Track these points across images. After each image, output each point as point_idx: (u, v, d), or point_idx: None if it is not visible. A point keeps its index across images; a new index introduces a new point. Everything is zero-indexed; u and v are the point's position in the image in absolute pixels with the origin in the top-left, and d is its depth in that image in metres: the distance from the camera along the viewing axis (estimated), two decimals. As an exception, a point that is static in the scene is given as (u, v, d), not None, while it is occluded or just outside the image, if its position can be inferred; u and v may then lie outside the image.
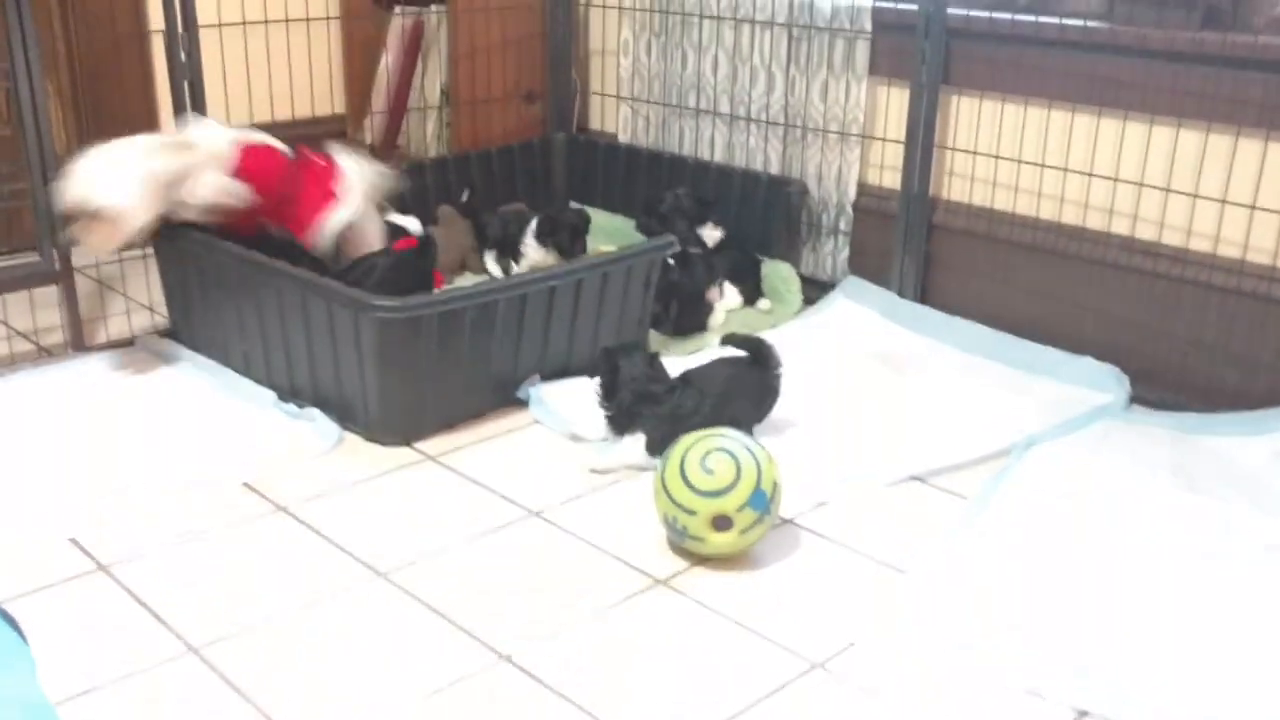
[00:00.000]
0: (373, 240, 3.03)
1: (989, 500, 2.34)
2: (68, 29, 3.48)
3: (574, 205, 3.66)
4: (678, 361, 2.68)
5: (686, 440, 2.15)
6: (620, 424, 2.46)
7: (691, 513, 2.08)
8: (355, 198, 2.98)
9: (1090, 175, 2.87)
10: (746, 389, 2.53)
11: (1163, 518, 2.29)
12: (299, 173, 2.94)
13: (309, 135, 3.97)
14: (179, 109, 3.12)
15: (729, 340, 2.61)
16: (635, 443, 2.44)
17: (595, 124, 4.05)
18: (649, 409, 2.43)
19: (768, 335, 3.04)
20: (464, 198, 3.62)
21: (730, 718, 1.76)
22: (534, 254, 3.32)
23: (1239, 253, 2.68)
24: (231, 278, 2.74)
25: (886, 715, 1.77)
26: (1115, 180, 2.83)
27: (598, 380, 2.48)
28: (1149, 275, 2.80)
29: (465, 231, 3.48)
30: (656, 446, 2.38)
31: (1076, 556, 2.16)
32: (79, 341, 3.00)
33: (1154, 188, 2.77)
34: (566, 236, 3.29)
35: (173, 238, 2.86)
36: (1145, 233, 2.81)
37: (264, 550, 2.17)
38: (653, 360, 2.51)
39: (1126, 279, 2.83)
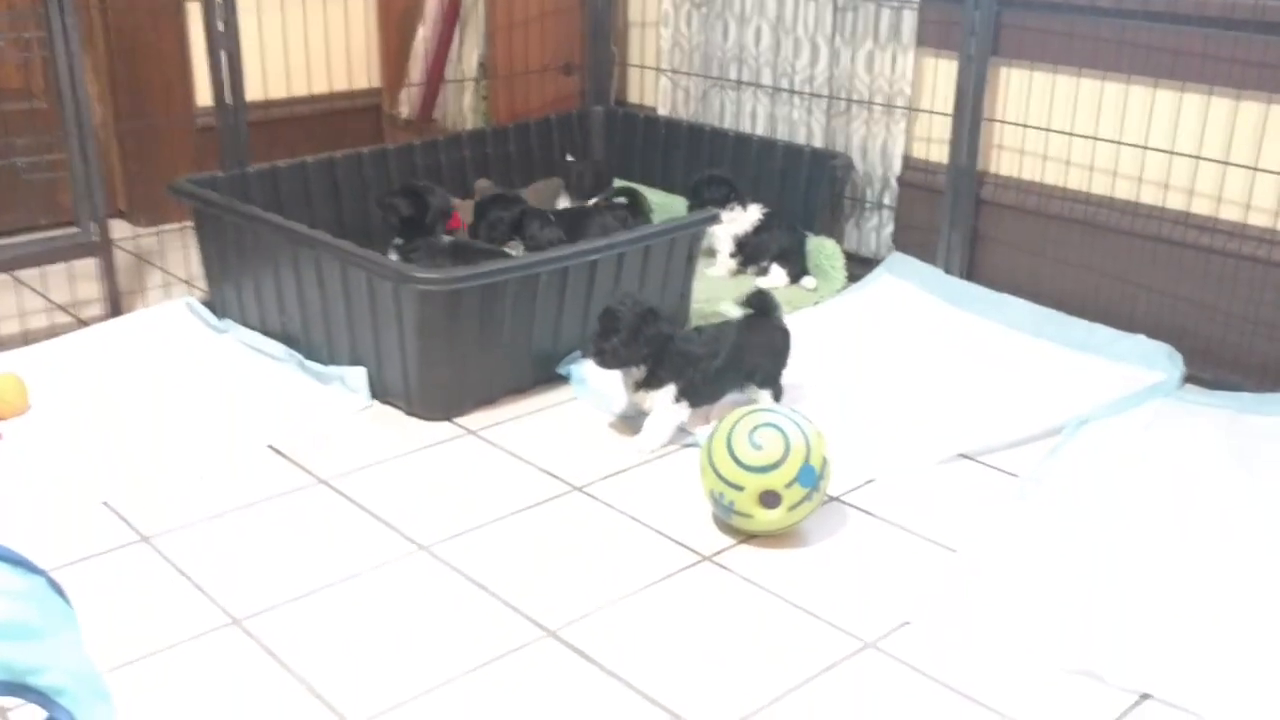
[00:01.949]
0: None
1: (1040, 479, 2.29)
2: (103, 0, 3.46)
3: (497, 190, 3.28)
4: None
5: (734, 415, 2.11)
6: (652, 380, 2.40)
7: (739, 488, 2.04)
8: None
9: (1145, 148, 2.80)
10: (759, 338, 2.52)
11: (1216, 497, 2.23)
12: None
13: (346, 109, 3.98)
14: (215, 82, 3.09)
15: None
16: (665, 398, 2.39)
17: (634, 97, 4.00)
18: (672, 356, 2.39)
19: (814, 311, 3.01)
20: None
21: (781, 695, 1.72)
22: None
23: (1299, 227, 2.61)
24: (271, 248, 2.71)
25: (941, 695, 1.73)
26: (1171, 154, 2.76)
27: (612, 340, 2.34)
28: (1204, 251, 2.73)
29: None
30: (689, 393, 2.40)
31: (1130, 536, 2.11)
32: (117, 314, 2.98)
33: (1211, 160, 2.70)
34: (503, 231, 3.06)
35: (212, 209, 2.84)
36: (1201, 207, 2.74)
37: (306, 522, 2.15)
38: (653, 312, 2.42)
39: (1181, 255, 2.77)
